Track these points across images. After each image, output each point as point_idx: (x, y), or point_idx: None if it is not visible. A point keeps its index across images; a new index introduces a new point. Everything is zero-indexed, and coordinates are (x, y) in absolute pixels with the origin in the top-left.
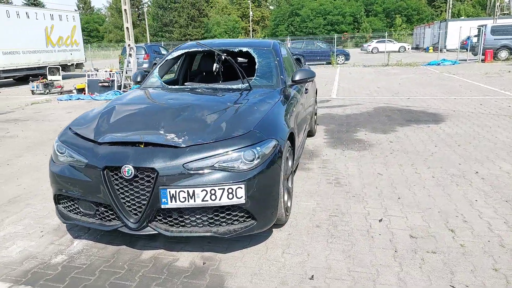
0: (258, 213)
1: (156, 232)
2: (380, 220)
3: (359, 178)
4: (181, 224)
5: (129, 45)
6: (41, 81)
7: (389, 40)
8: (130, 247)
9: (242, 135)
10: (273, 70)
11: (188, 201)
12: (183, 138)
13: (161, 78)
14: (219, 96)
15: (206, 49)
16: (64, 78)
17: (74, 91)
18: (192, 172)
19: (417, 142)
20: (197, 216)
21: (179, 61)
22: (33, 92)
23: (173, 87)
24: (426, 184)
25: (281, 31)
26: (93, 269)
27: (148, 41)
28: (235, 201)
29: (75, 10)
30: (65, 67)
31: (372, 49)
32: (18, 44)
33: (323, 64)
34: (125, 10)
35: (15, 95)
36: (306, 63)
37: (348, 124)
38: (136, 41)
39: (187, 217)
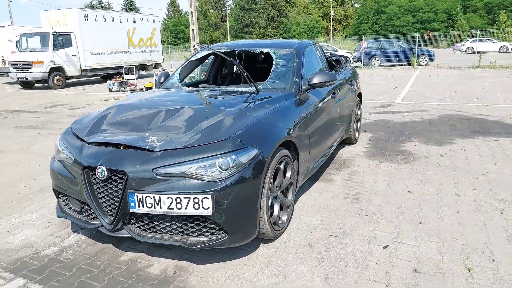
0: (230, 227)
1: (130, 235)
2: (385, 247)
3: (384, 195)
4: (153, 230)
5: (193, 46)
6: (117, 79)
7: (489, 39)
8: (115, 246)
9: (218, 142)
10: (289, 73)
11: (155, 208)
12: (161, 142)
13: (184, 78)
14: (218, 99)
15: (223, 51)
16: (143, 77)
17: (144, 89)
18: (160, 177)
19: (473, 158)
20: (167, 224)
21: (210, 62)
22: (110, 90)
23: (184, 88)
24: (462, 208)
25: (364, 30)
26: (73, 265)
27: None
28: (201, 212)
29: (166, 12)
30: (144, 67)
31: (467, 49)
32: (104, 46)
33: (402, 65)
34: (191, 12)
35: (96, 92)
36: (352, 64)
37: (400, 132)
38: (218, 41)
39: (158, 223)
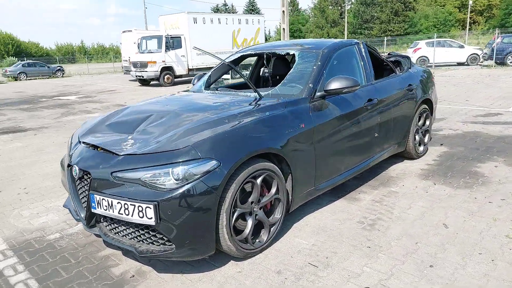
0: (178, 239)
1: (99, 233)
2: None
3: (408, 225)
4: (115, 231)
5: None
6: None
7: None
8: (104, 240)
9: (174, 151)
10: (304, 77)
11: (108, 211)
12: (131, 146)
13: (214, 81)
14: (213, 105)
15: (251, 53)
16: None
17: None
18: (117, 181)
19: None
20: (124, 227)
21: (253, 65)
22: None
23: (199, 92)
24: (503, 257)
25: None
26: (60, 252)
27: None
28: (145, 221)
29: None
30: (246, 67)
31: None
32: (209, 46)
33: None
34: (283, 11)
35: None
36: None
37: (487, 149)
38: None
39: (117, 226)
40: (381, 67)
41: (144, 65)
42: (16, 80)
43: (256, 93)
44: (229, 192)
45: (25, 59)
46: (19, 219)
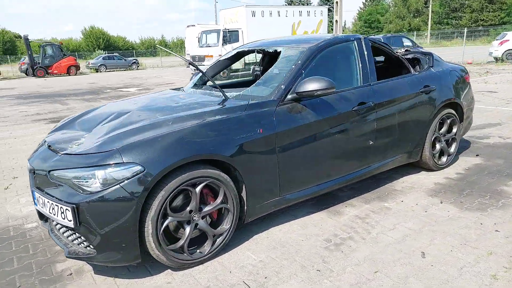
0: (99, 244)
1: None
2: None
3: (379, 249)
4: (59, 228)
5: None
6: None
7: None
8: None
9: (102, 153)
10: (279, 78)
11: (43, 208)
12: (77, 145)
13: (212, 77)
14: (174, 105)
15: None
16: None
17: None
18: (51, 180)
19: None
20: (62, 226)
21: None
22: None
23: (181, 90)
24: None
25: None
26: (25, 242)
27: (429, 29)
28: (66, 222)
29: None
30: None
31: None
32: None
33: None
34: (336, 2)
35: None
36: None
37: None
38: (418, 29)
39: (57, 223)
40: (396, 66)
41: (201, 59)
42: (97, 71)
43: (222, 95)
44: (156, 200)
45: (112, 52)
46: (15, 205)
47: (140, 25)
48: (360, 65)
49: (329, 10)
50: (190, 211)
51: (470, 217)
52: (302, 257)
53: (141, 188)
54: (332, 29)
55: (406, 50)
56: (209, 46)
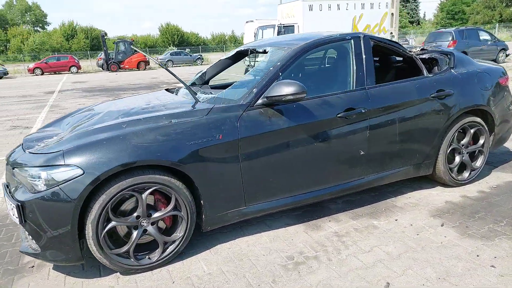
0: (42, 243)
1: None
2: None
3: (340, 274)
4: None
5: (391, 33)
6: None
7: None
8: None
9: (50, 153)
10: (253, 81)
11: (5, 203)
12: (44, 144)
13: (210, 79)
14: (144, 106)
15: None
16: None
17: None
18: (14, 177)
19: None
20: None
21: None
22: None
23: (174, 90)
24: None
25: None
26: (14, 231)
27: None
28: (15, 219)
29: None
30: None
31: None
32: None
33: None
34: None
35: None
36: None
37: None
38: (510, 20)
39: None
40: (411, 67)
41: None
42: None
43: (193, 97)
44: (97, 203)
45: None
46: None
47: (213, 20)
48: (355, 67)
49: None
50: (138, 217)
51: (468, 246)
52: (253, 274)
53: (79, 191)
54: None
55: (422, 49)
56: None
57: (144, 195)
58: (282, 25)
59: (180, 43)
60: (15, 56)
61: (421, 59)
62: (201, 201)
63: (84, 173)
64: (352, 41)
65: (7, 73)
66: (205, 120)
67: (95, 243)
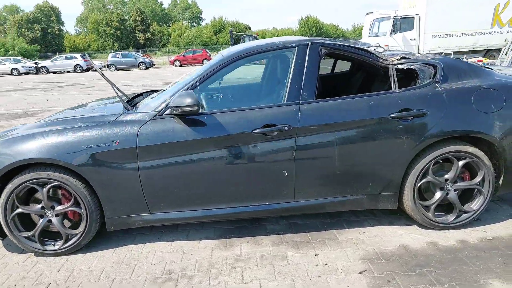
0: None
1: None
2: None
3: None
4: None
5: None
6: None
7: None
8: None
9: None
10: (174, 89)
11: None
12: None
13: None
14: (88, 109)
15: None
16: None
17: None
18: None
19: None
20: None
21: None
22: None
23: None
24: None
25: None
26: None
27: None
28: None
29: None
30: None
31: None
32: (453, 27)
33: None
34: None
35: None
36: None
37: None
38: None
39: None
40: (382, 78)
41: None
42: None
43: (123, 105)
44: (4, 191)
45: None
46: None
47: (356, 11)
48: (290, 79)
49: None
50: (42, 207)
51: None
52: (120, 279)
53: None
54: None
55: (402, 58)
56: (377, 36)
57: (45, 189)
58: (399, 17)
59: (318, 35)
60: (173, 49)
61: (401, 70)
62: (101, 203)
63: None
64: (296, 49)
65: (154, 64)
66: (107, 126)
67: (5, 225)
